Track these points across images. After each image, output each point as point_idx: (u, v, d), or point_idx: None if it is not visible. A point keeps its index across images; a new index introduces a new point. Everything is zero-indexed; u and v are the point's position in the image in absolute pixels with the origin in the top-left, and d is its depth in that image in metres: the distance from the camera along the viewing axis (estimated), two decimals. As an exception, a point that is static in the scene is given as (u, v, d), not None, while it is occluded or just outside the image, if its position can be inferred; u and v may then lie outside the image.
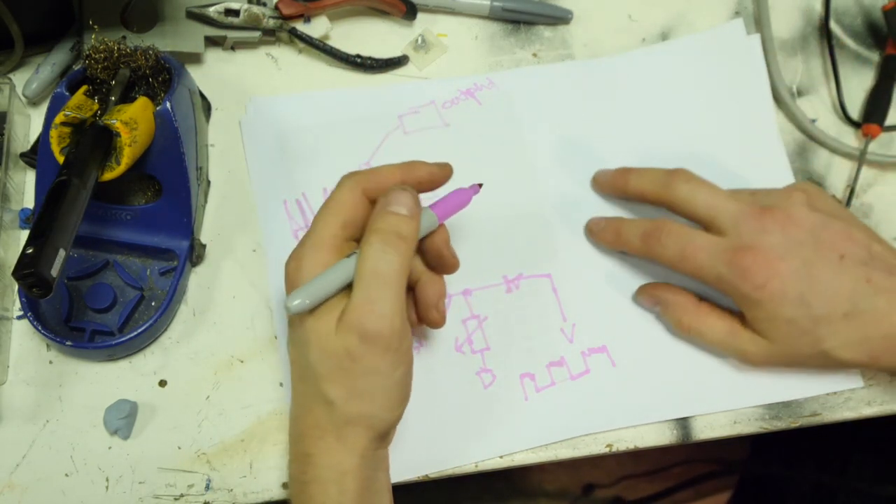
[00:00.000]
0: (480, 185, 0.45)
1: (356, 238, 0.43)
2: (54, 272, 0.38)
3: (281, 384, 0.50)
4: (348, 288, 0.41)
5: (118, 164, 0.45)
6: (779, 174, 0.56)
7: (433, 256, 0.45)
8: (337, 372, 0.39)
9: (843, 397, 0.51)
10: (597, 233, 0.52)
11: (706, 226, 0.47)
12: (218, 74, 0.57)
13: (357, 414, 0.40)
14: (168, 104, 0.47)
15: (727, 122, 0.57)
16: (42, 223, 0.39)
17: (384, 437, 0.42)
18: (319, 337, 0.40)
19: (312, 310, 0.40)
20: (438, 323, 0.45)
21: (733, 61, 0.59)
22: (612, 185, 0.53)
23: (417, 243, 0.42)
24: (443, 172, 0.44)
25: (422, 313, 0.45)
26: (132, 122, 0.45)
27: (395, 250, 0.39)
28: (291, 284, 0.41)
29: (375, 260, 0.39)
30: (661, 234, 0.48)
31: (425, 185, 0.44)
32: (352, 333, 0.39)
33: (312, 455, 0.41)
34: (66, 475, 0.47)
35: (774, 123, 0.57)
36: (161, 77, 0.49)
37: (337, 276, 0.40)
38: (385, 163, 0.54)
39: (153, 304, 0.50)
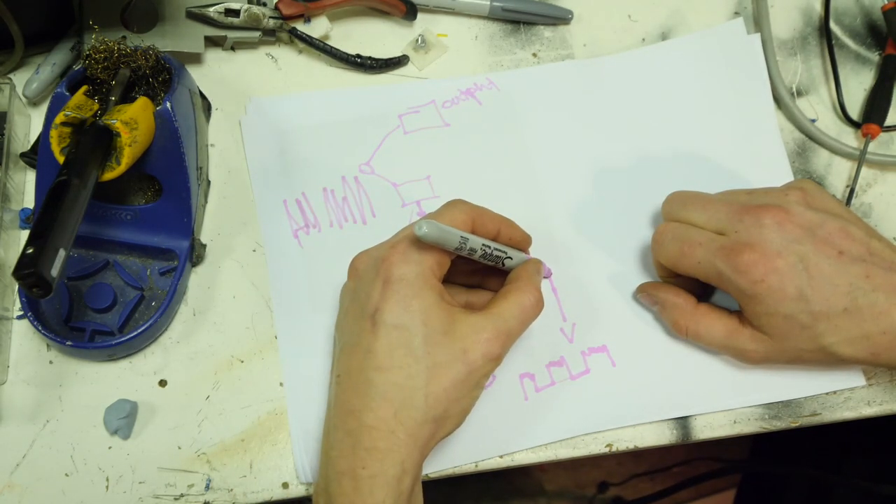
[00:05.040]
0: (551, 272, 0.53)
1: (449, 256, 0.44)
2: (54, 272, 0.38)
3: (281, 384, 0.50)
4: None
5: (118, 164, 0.45)
6: (779, 173, 0.56)
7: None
8: (444, 368, 0.41)
9: (843, 397, 0.51)
10: None
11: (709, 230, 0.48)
12: (218, 74, 0.57)
13: (442, 413, 0.41)
14: (168, 104, 0.47)
15: (727, 121, 0.57)
16: (42, 223, 0.39)
17: (438, 443, 0.43)
18: (434, 328, 0.41)
19: (425, 285, 0.42)
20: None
21: (734, 61, 0.59)
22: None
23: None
24: (527, 241, 0.49)
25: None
26: (132, 122, 0.45)
27: (537, 309, 0.45)
28: (396, 275, 0.42)
29: (528, 307, 0.44)
30: (661, 235, 0.48)
31: (514, 244, 0.48)
32: (477, 345, 0.42)
33: (378, 450, 0.40)
34: (66, 475, 0.47)
35: (775, 122, 0.57)
36: (161, 77, 0.49)
37: (465, 234, 0.42)
38: (384, 163, 0.55)
39: (153, 304, 0.50)
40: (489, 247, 0.44)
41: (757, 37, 0.59)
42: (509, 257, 0.46)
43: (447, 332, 0.41)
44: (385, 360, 0.41)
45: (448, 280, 0.46)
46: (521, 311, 0.44)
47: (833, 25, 0.62)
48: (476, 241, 0.43)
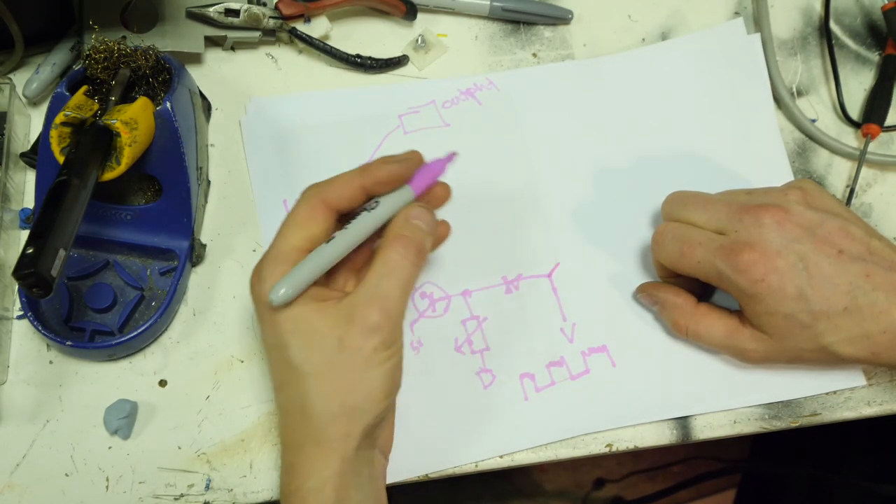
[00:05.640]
0: (455, 154, 0.46)
1: None
2: (54, 272, 0.38)
3: (281, 384, 0.50)
4: (334, 282, 0.42)
5: (118, 164, 0.45)
6: (779, 173, 0.56)
7: None
8: (323, 367, 0.40)
9: (843, 397, 0.51)
10: None
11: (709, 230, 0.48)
12: (218, 74, 0.57)
13: (339, 408, 0.40)
14: (168, 104, 0.47)
15: (727, 121, 0.57)
16: (42, 223, 0.39)
17: (369, 433, 0.41)
18: (302, 333, 0.40)
19: (290, 304, 0.40)
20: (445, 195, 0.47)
21: (734, 61, 0.59)
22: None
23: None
24: (402, 168, 0.44)
25: None
26: (132, 122, 0.45)
27: (414, 259, 0.41)
28: (255, 298, 0.42)
29: (396, 261, 0.41)
30: (661, 235, 0.48)
31: (386, 186, 0.43)
32: (353, 325, 0.39)
33: (294, 465, 0.41)
34: (66, 475, 0.47)
35: (775, 122, 0.57)
36: (161, 77, 0.49)
37: (318, 262, 0.41)
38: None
39: (153, 304, 0.50)
40: (346, 236, 0.42)
41: (757, 37, 0.59)
42: (375, 211, 0.43)
43: (317, 332, 0.40)
44: (277, 379, 0.42)
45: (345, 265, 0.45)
46: (391, 269, 0.41)
47: (833, 25, 0.62)
48: (334, 249, 0.41)
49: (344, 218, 0.43)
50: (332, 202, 0.43)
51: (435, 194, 0.47)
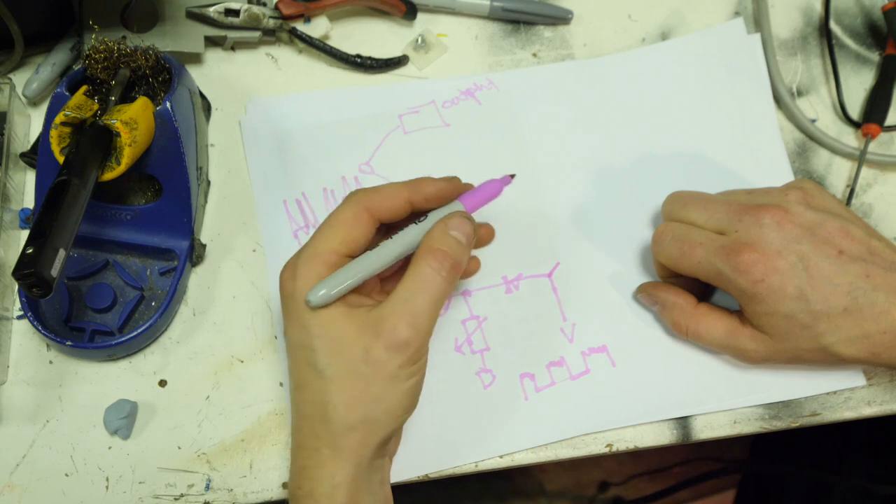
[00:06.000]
0: (513, 176, 0.45)
1: (353, 255, 0.42)
2: (54, 272, 0.38)
3: (281, 384, 0.50)
4: (362, 288, 0.41)
5: (118, 164, 0.45)
6: (779, 172, 0.56)
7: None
8: (347, 375, 0.39)
9: (843, 397, 0.51)
10: None
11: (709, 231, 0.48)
12: (218, 74, 0.57)
13: (360, 419, 0.40)
14: (168, 104, 0.47)
15: (727, 120, 0.57)
16: (42, 223, 0.39)
17: (383, 444, 0.41)
18: (331, 338, 0.40)
19: (324, 307, 0.40)
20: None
21: (734, 60, 0.59)
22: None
23: None
24: (451, 187, 0.44)
25: None
26: (132, 122, 0.45)
27: (448, 274, 0.41)
28: (286, 294, 0.41)
29: (429, 275, 0.40)
30: (661, 235, 0.48)
31: (433, 202, 0.44)
32: (379, 338, 0.39)
33: (307, 468, 0.40)
34: (66, 475, 0.47)
35: (775, 122, 0.57)
36: (161, 77, 0.49)
37: (362, 269, 0.40)
38: (384, 163, 0.55)
39: (153, 304, 0.50)
40: (392, 246, 0.41)
41: (757, 37, 0.59)
42: (423, 224, 0.42)
43: (345, 339, 0.40)
44: (298, 379, 0.42)
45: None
46: (422, 284, 0.40)
47: (833, 25, 0.62)
48: (380, 258, 0.41)
49: (383, 229, 0.43)
50: (376, 211, 0.42)
51: (478, 234, 0.46)
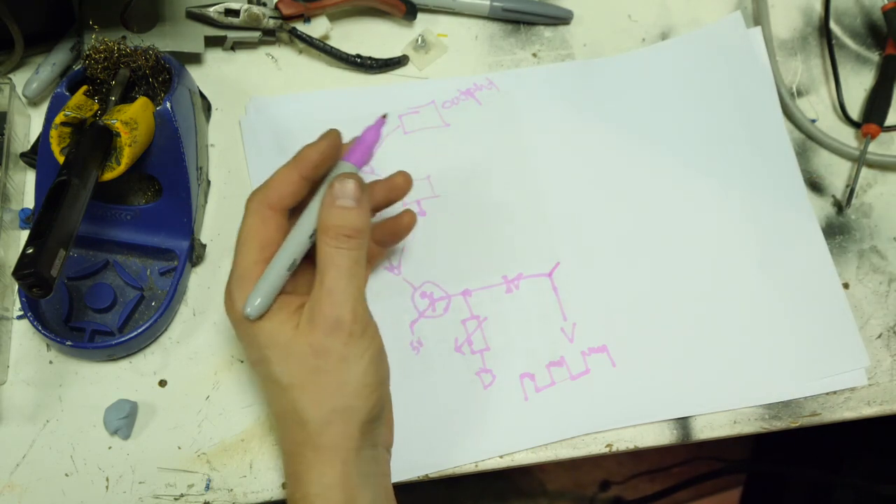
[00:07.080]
0: (384, 116, 0.44)
1: None
2: (54, 272, 0.38)
3: (281, 384, 0.50)
4: (301, 287, 0.41)
5: (118, 164, 0.45)
6: (785, 166, 0.56)
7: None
8: (303, 375, 0.39)
9: (843, 397, 0.51)
10: None
11: None
12: (218, 74, 0.57)
13: (331, 411, 0.39)
14: (168, 104, 0.47)
15: (730, 117, 0.57)
16: (42, 223, 0.39)
17: (367, 431, 0.41)
18: (278, 345, 0.40)
19: (264, 317, 0.40)
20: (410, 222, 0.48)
21: (735, 55, 0.59)
22: None
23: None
24: (333, 145, 0.42)
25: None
26: (132, 122, 0.45)
27: (349, 244, 0.40)
28: (233, 320, 0.41)
29: (331, 257, 0.40)
30: None
31: (323, 167, 0.42)
32: (315, 328, 0.39)
33: (297, 473, 0.40)
34: (66, 475, 0.47)
35: (779, 113, 0.57)
36: (161, 77, 0.49)
37: (277, 267, 0.40)
38: (384, 163, 0.55)
39: (153, 304, 0.50)
40: (297, 233, 0.41)
41: (757, 30, 0.59)
42: (317, 196, 0.41)
43: (291, 342, 0.40)
44: (266, 394, 0.42)
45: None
46: (330, 263, 0.40)
47: (833, 25, 0.62)
48: (287, 252, 0.40)
49: (296, 212, 0.43)
50: (276, 203, 0.42)
51: (395, 183, 0.46)
